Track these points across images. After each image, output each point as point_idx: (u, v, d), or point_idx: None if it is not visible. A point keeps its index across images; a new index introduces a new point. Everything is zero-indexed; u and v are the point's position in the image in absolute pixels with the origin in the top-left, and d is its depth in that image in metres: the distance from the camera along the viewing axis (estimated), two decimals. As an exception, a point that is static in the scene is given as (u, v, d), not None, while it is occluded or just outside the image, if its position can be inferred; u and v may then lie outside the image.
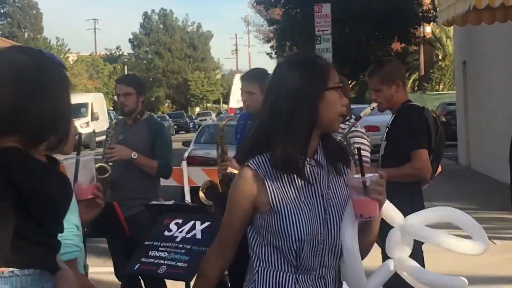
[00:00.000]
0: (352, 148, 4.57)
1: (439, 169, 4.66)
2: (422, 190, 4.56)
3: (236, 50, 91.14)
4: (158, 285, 5.23)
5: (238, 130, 5.44)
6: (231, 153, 5.37)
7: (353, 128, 4.72)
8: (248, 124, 5.32)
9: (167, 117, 50.92)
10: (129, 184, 5.35)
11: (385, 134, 4.59)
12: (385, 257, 4.54)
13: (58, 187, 1.70)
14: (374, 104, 4.55)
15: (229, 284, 5.53)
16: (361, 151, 4.62)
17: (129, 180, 5.35)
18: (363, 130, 4.85)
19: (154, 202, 4.87)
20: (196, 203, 5.15)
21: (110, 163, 5.29)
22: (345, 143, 4.37)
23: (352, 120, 4.70)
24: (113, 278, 5.82)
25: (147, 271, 4.17)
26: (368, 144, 4.79)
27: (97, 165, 4.97)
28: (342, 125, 4.74)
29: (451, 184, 12.45)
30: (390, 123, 4.56)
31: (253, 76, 5.34)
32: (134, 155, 5.25)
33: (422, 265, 4.61)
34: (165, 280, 5.02)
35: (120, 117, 5.55)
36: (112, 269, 5.65)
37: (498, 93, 15.02)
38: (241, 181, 2.48)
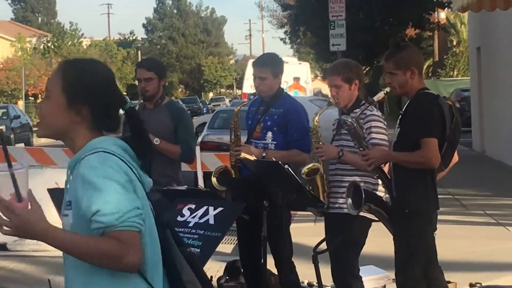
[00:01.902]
0: (364, 131, 4.56)
1: (456, 158, 4.64)
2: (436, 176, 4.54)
3: (250, 35, 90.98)
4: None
5: (249, 116, 5.41)
6: (244, 138, 5.35)
7: (369, 112, 4.71)
8: (260, 110, 5.30)
9: (181, 103, 50.77)
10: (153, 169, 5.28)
11: (398, 121, 4.58)
12: (396, 242, 4.55)
13: None
14: (388, 89, 4.52)
15: (242, 270, 5.56)
16: (378, 134, 4.67)
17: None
18: (379, 114, 4.84)
19: (167, 188, 4.86)
20: (209, 188, 5.14)
21: None
22: (355, 125, 4.37)
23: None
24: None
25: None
26: (384, 127, 4.78)
27: None
28: (356, 109, 4.74)
29: (465, 170, 12.40)
30: (403, 110, 4.54)
31: (265, 62, 5.32)
32: (156, 141, 5.08)
33: (435, 252, 4.61)
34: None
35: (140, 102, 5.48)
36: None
37: (513, 79, 14.92)
38: None
